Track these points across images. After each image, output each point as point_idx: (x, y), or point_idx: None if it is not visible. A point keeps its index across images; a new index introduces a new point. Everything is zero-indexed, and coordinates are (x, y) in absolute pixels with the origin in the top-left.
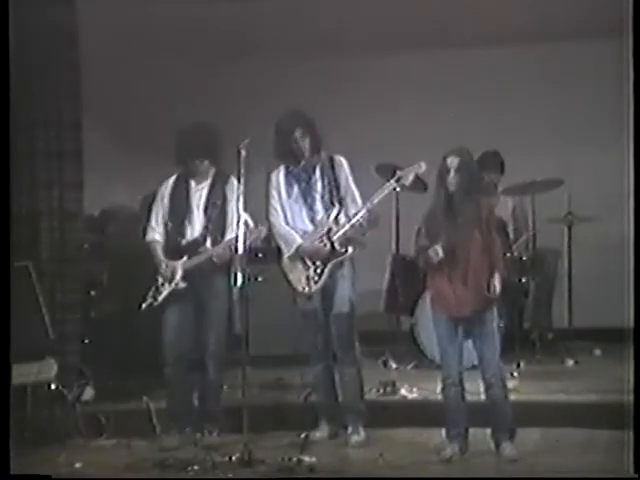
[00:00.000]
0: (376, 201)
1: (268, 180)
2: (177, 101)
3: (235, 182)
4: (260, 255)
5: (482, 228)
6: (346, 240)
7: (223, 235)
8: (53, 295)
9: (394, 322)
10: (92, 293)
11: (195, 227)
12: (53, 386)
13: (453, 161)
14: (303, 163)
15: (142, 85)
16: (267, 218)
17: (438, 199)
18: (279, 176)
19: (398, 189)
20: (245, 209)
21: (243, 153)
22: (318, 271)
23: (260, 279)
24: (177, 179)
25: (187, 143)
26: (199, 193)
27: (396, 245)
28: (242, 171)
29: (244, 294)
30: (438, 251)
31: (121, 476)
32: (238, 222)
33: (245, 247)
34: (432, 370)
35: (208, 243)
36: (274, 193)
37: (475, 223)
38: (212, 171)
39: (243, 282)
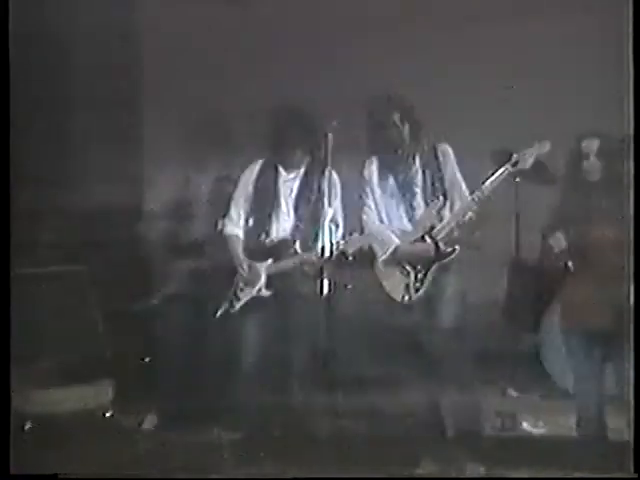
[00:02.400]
0: (488, 191)
1: (360, 173)
2: (239, 78)
3: (335, 175)
4: (350, 259)
5: (626, 227)
6: (453, 240)
7: (316, 238)
8: (106, 305)
9: (514, 340)
10: (155, 301)
11: (283, 225)
12: (109, 413)
13: (592, 144)
14: (400, 152)
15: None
16: (358, 217)
17: (571, 192)
18: (372, 168)
19: (518, 179)
20: (343, 207)
21: (331, 138)
22: (419, 277)
23: (350, 287)
24: (264, 165)
25: (279, 130)
26: (289, 184)
27: (516, 247)
28: (330, 160)
29: (332, 305)
30: (560, 240)
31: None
32: (333, 223)
33: (335, 251)
34: (564, 400)
35: (297, 246)
36: (367, 188)
37: (620, 221)
38: (306, 160)
39: (330, 290)
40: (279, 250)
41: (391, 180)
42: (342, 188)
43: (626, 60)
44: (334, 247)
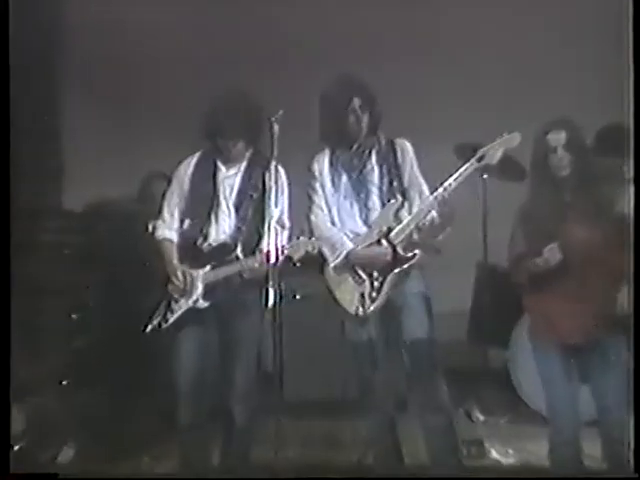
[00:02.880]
0: (451, 189)
1: (309, 168)
2: (187, 62)
3: (281, 169)
4: (298, 264)
5: (605, 227)
6: (412, 244)
7: (260, 241)
8: (18, 319)
9: (480, 357)
10: (74, 316)
11: (223, 227)
12: (17, 447)
13: (559, 136)
14: (356, 146)
15: (137, 41)
16: (307, 217)
17: (541, 189)
18: (323, 163)
19: (485, 176)
20: (290, 205)
21: (276, 129)
22: (376, 285)
23: (299, 297)
24: (201, 159)
25: (217, 118)
26: (230, 181)
27: (484, 252)
28: (276, 153)
29: (277, 317)
30: (555, 251)
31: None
32: (279, 224)
33: (281, 256)
34: (535, 425)
35: (239, 250)
36: (316, 185)
37: (596, 220)
38: (248, 153)
39: (276, 302)
40: (218, 255)
41: (344, 177)
42: (289, 185)
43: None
44: (280, 252)
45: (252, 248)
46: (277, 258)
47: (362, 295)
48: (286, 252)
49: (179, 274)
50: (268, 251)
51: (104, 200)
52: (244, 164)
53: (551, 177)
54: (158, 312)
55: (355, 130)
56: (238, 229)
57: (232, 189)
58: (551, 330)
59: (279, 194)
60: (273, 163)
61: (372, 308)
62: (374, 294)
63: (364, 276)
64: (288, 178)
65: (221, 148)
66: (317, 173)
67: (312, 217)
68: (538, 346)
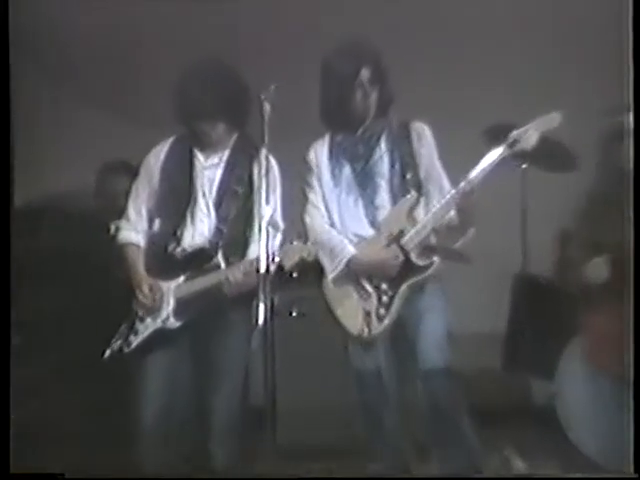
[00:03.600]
0: (477, 181)
1: (304, 158)
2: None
3: (272, 159)
4: (295, 275)
5: None
6: (429, 248)
7: (246, 246)
8: None
9: (519, 390)
10: (15, 339)
11: (200, 229)
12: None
13: (625, 120)
14: (362, 130)
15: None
16: (301, 217)
17: (601, 182)
18: (322, 151)
19: (524, 165)
20: (283, 203)
21: (267, 109)
22: (385, 300)
23: (295, 314)
24: (174, 146)
25: (191, 93)
26: (210, 173)
27: (522, 259)
28: (266, 138)
29: (269, 340)
30: (601, 268)
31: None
32: (270, 226)
33: (272, 264)
34: (588, 474)
35: (220, 257)
36: (312, 179)
37: None
38: (232, 138)
39: (267, 320)
40: (195, 264)
41: (347, 168)
42: (283, 178)
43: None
44: (271, 259)
45: (237, 255)
46: (268, 267)
47: (368, 313)
48: (277, 259)
49: (145, 287)
50: (256, 258)
51: (54, 195)
52: (227, 152)
53: (613, 168)
54: (119, 334)
55: (362, 109)
56: (219, 231)
57: (212, 183)
58: (612, 356)
59: (270, 189)
60: (263, 151)
61: (380, 329)
62: (382, 311)
63: (370, 289)
64: (281, 169)
65: (198, 133)
66: (313, 164)
67: (307, 218)
68: (594, 377)
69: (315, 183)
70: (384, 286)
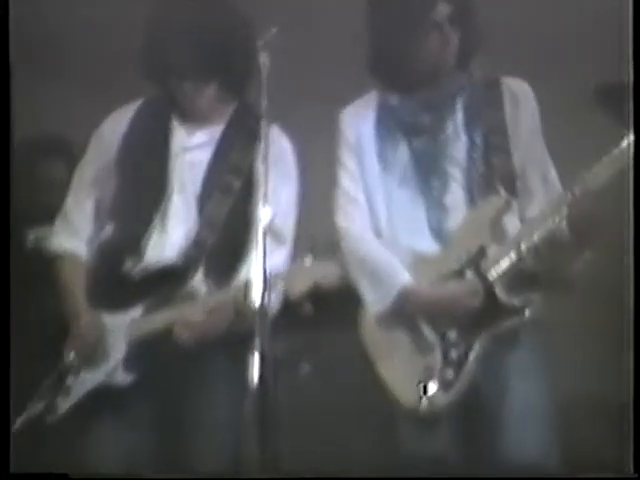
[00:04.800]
0: (601, 178)
1: (336, 129)
2: None
3: (280, 135)
4: (309, 309)
5: None
6: (525, 279)
7: (237, 262)
8: None
9: None
10: None
11: (174, 236)
12: None
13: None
14: (429, 91)
15: None
16: (332, 222)
17: None
18: (365, 117)
19: None
20: (300, 201)
21: (266, 61)
22: (454, 356)
23: (307, 369)
24: (143, 112)
25: (169, 40)
26: (193, 156)
27: None
28: (265, 104)
29: (268, 408)
30: None
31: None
32: (273, 233)
33: (275, 292)
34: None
35: (200, 279)
36: (348, 159)
37: None
38: (229, 109)
39: (265, 378)
40: (161, 288)
41: (403, 147)
42: (299, 163)
43: None
44: (274, 282)
45: (223, 275)
46: (268, 295)
47: (429, 374)
48: (282, 285)
49: (84, 322)
50: (252, 281)
51: None
52: (220, 128)
53: None
54: (40, 394)
55: (434, 60)
56: (202, 242)
57: (197, 170)
58: None
59: (276, 180)
60: (264, 123)
61: (446, 400)
62: (450, 373)
63: (432, 338)
64: (297, 152)
65: (178, 96)
66: (351, 135)
67: (340, 218)
68: None
69: (353, 166)
70: (453, 335)
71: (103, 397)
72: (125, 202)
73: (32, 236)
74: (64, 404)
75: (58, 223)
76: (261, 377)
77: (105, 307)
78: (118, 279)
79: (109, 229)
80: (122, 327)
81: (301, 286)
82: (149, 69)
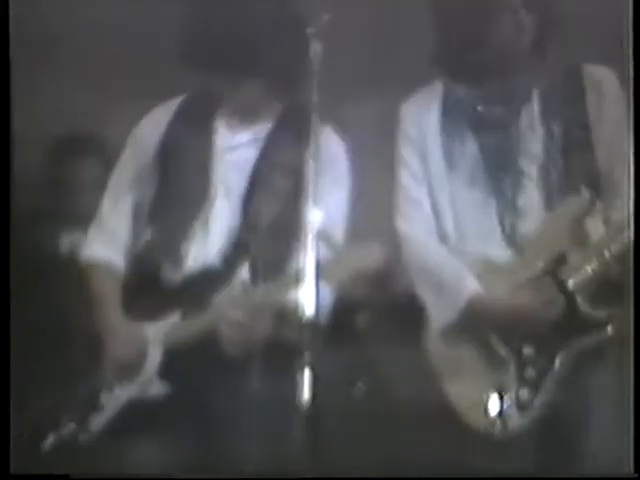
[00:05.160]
0: None
1: (397, 123)
2: None
3: (333, 136)
4: (360, 321)
5: None
6: (612, 288)
7: (282, 267)
8: None
9: None
10: None
11: (215, 239)
12: None
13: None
14: (501, 81)
15: None
16: (392, 226)
17: None
18: (429, 109)
19: None
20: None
21: (319, 49)
22: (530, 374)
23: (360, 385)
24: (183, 110)
25: (211, 30)
26: (239, 156)
27: None
28: (316, 98)
29: (318, 429)
30: None
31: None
32: (324, 239)
33: (325, 302)
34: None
35: (241, 282)
36: (411, 155)
37: None
38: (278, 107)
39: (316, 395)
40: (200, 293)
41: (472, 142)
42: (351, 163)
43: None
44: (325, 292)
45: (268, 279)
46: (317, 303)
47: (501, 394)
48: (334, 295)
49: (122, 337)
50: (303, 290)
51: None
52: (269, 127)
53: None
54: (71, 412)
55: (507, 47)
56: (245, 246)
57: (242, 171)
58: None
59: (327, 181)
60: (315, 121)
61: (522, 423)
62: (526, 394)
63: (506, 354)
64: (350, 151)
65: (221, 91)
66: (413, 129)
67: (400, 222)
68: None
69: (415, 164)
70: (530, 351)
71: (138, 411)
72: (165, 205)
73: (66, 240)
74: (96, 421)
75: (92, 230)
76: (311, 393)
77: (144, 317)
78: (156, 286)
79: (147, 234)
80: (159, 334)
81: (340, 274)
82: (191, 65)
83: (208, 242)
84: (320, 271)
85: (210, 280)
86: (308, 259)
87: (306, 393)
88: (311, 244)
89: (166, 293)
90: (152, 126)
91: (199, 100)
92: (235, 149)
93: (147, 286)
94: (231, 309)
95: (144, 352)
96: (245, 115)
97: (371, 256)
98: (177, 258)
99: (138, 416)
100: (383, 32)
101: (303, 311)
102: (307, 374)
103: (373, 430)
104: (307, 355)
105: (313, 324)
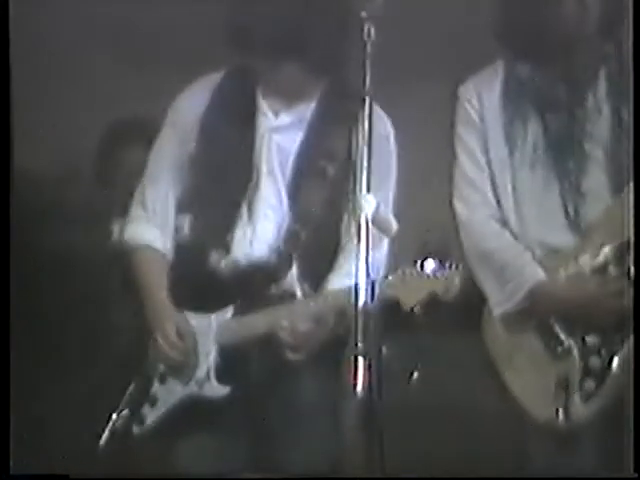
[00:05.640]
0: None
1: (456, 103)
2: None
3: (382, 115)
4: (416, 308)
5: None
6: None
7: (334, 257)
8: None
9: None
10: None
11: (263, 227)
12: None
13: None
14: (566, 62)
15: None
16: (451, 208)
17: None
18: (489, 90)
19: None
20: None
21: (372, 33)
22: (595, 363)
23: (417, 375)
24: (225, 85)
25: (251, 10)
26: (282, 138)
27: None
28: (368, 81)
29: (375, 419)
30: None
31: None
32: (378, 226)
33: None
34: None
35: (293, 277)
36: (470, 137)
37: None
38: (320, 86)
39: (371, 385)
40: (251, 287)
41: (535, 124)
42: (403, 147)
43: None
44: (378, 280)
45: (319, 272)
46: (373, 296)
47: (565, 383)
48: (394, 292)
49: (171, 326)
50: (356, 280)
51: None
52: (311, 107)
53: None
54: (125, 405)
55: (571, 26)
56: (295, 235)
57: (287, 154)
58: None
59: (379, 165)
60: (367, 101)
61: (587, 413)
62: (591, 384)
63: (570, 342)
64: (401, 134)
65: (262, 69)
66: (473, 110)
67: (458, 204)
68: None
69: (475, 145)
70: (595, 339)
71: (193, 408)
72: (208, 189)
73: (116, 227)
74: (151, 414)
75: (134, 210)
76: (366, 384)
77: (191, 307)
78: (203, 276)
79: (190, 219)
80: (211, 330)
81: (415, 297)
82: (233, 40)
83: (254, 230)
84: (393, 288)
85: (259, 272)
86: (362, 248)
87: (360, 380)
88: (365, 232)
89: (215, 284)
90: (191, 102)
91: (239, 77)
92: (278, 130)
93: (194, 275)
94: (290, 311)
95: (201, 343)
96: (287, 95)
97: (451, 285)
98: (223, 246)
99: (194, 413)
100: (441, 9)
101: (358, 301)
102: (361, 361)
103: (428, 417)
104: (361, 346)
105: (367, 315)
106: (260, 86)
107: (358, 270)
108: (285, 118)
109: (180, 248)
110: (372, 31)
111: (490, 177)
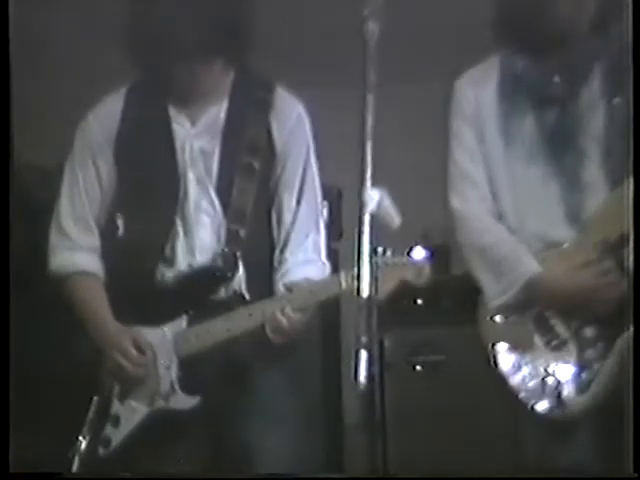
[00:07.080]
0: None
1: (452, 97)
2: None
3: (296, 103)
4: (419, 302)
5: None
6: None
7: (280, 253)
8: None
9: None
10: None
11: (200, 234)
12: None
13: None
14: (561, 56)
15: None
16: (448, 202)
17: None
18: (485, 85)
19: None
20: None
21: (375, 30)
22: (590, 354)
23: (420, 368)
24: (131, 100)
25: (159, 18)
26: (200, 142)
27: None
28: (373, 76)
29: (377, 411)
30: None
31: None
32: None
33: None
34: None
35: (240, 280)
36: (466, 132)
37: None
38: (228, 81)
39: (372, 377)
40: (200, 291)
41: (530, 119)
42: (399, 141)
43: None
44: (378, 266)
45: (266, 270)
46: (376, 285)
47: (562, 373)
48: (398, 276)
49: (126, 342)
50: (358, 275)
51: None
52: (225, 105)
53: None
54: (87, 428)
55: (566, 21)
56: (235, 236)
57: (210, 157)
58: None
59: (299, 146)
60: (369, 97)
61: (581, 404)
62: (586, 376)
63: (565, 335)
64: (397, 129)
65: (171, 78)
66: (469, 104)
67: (454, 200)
68: None
69: (470, 139)
70: (590, 331)
71: (162, 424)
72: (140, 207)
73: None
74: (115, 437)
75: (53, 239)
76: (368, 375)
77: (140, 322)
78: (149, 291)
79: (128, 238)
80: (167, 342)
81: (386, 285)
82: (138, 51)
83: (195, 238)
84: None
85: (206, 278)
86: (364, 242)
87: (363, 373)
88: (366, 227)
89: (162, 297)
90: (101, 120)
91: (143, 90)
92: (197, 136)
93: (139, 291)
94: (272, 310)
95: (154, 358)
96: (197, 99)
97: (422, 274)
98: (166, 259)
99: (163, 428)
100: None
101: (360, 292)
102: (364, 355)
103: (428, 407)
104: (363, 338)
105: (368, 304)
106: (169, 96)
107: (363, 255)
108: (201, 123)
109: (121, 267)
110: (375, 27)
111: (486, 171)
